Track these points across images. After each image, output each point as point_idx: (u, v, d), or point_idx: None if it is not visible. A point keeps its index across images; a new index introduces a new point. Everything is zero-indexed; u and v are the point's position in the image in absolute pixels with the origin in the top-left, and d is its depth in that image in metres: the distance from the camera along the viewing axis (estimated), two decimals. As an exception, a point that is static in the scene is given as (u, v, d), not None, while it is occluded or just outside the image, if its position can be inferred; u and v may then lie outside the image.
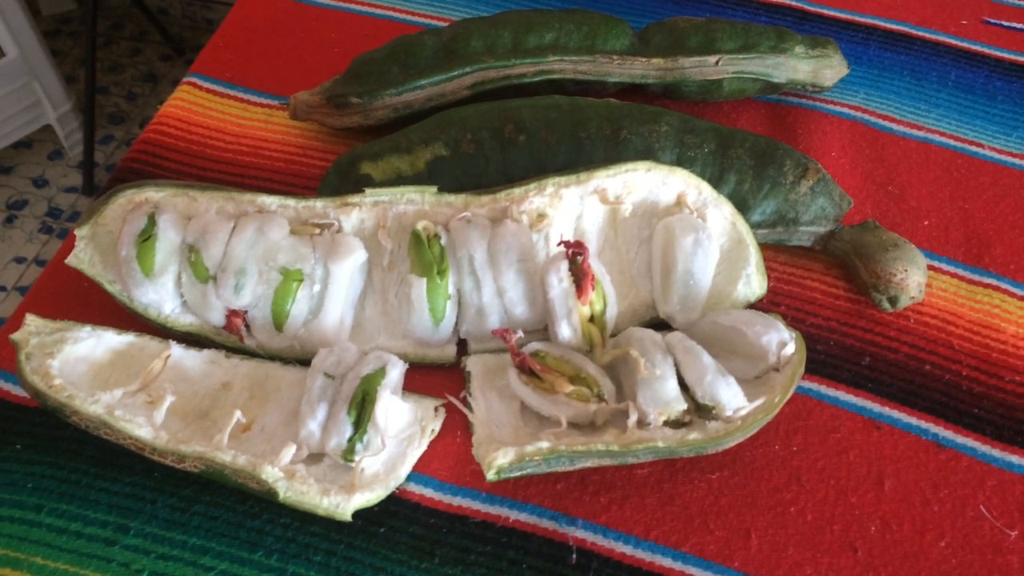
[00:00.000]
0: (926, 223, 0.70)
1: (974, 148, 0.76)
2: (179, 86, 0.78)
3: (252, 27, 0.84)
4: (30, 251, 1.70)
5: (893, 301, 0.63)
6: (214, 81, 0.79)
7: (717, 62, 0.72)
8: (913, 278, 0.63)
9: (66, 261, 0.59)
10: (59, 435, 0.57)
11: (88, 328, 0.57)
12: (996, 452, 0.58)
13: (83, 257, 0.59)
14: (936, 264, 0.68)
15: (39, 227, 1.74)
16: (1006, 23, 0.87)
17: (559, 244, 0.57)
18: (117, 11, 2.15)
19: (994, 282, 0.67)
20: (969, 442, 0.59)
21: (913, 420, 0.60)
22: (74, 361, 0.55)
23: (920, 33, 0.85)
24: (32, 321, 0.56)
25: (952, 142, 0.76)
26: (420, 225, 0.59)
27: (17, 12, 1.60)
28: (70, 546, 0.53)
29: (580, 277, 0.57)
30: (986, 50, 0.84)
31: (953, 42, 0.85)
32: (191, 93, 0.77)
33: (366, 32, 0.83)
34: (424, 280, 0.58)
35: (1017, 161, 0.75)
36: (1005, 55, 0.84)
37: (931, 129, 0.77)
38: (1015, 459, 0.58)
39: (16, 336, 0.55)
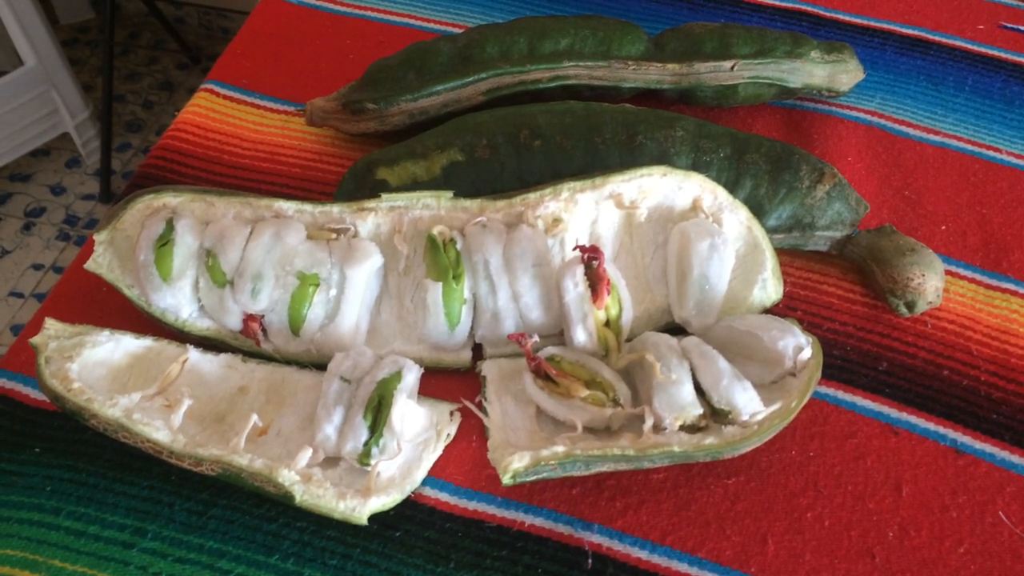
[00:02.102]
0: (943, 228, 0.70)
1: (992, 153, 0.76)
2: (197, 93, 0.79)
3: (269, 34, 0.84)
4: (47, 258, 1.72)
5: (910, 306, 0.63)
6: (231, 88, 0.79)
7: (732, 67, 0.72)
8: (930, 283, 0.62)
9: (85, 266, 0.60)
10: (77, 439, 0.57)
11: (106, 332, 0.57)
12: (1015, 458, 0.58)
13: (102, 262, 0.60)
14: (954, 269, 0.68)
15: (56, 234, 1.76)
16: (1023, 28, 0.86)
17: (574, 249, 0.57)
18: (134, 20, 2.17)
19: (1012, 287, 0.66)
20: (988, 448, 0.58)
21: (931, 426, 0.59)
22: (92, 365, 0.56)
23: (936, 38, 0.85)
24: (51, 325, 0.56)
25: (969, 147, 0.76)
26: (436, 230, 0.60)
27: (35, 21, 1.62)
28: (88, 549, 0.53)
29: (595, 282, 0.57)
30: (1003, 55, 0.84)
31: (970, 47, 0.84)
32: (208, 100, 0.78)
33: (382, 39, 0.84)
34: (440, 285, 0.58)
35: (1035, 166, 0.75)
36: (1023, 59, 0.83)
37: (948, 134, 0.77)
38: (1035, 465, 0.58)
39: (36, 340, 0.55)
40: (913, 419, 0.60)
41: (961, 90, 0.81)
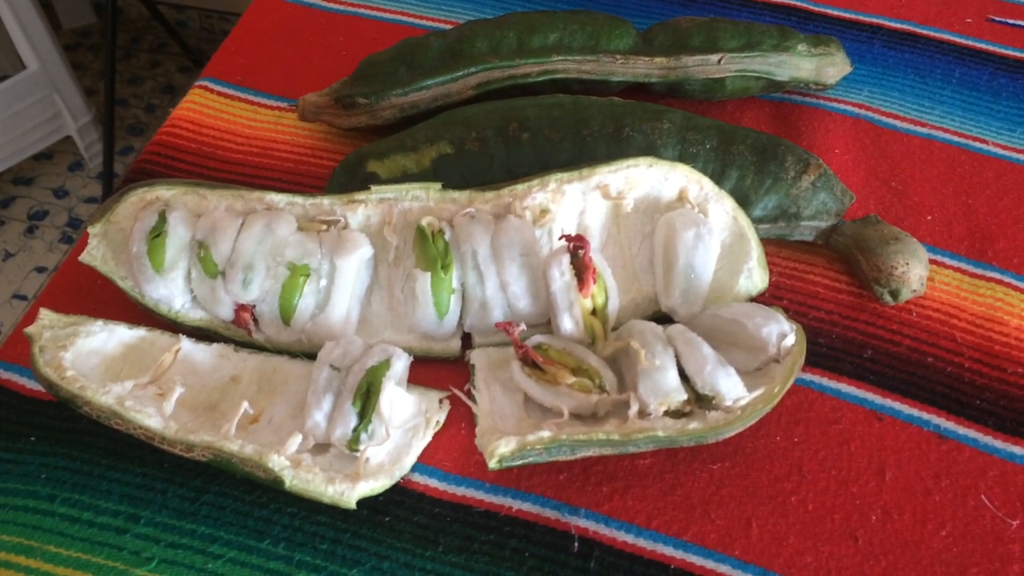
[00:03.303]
0: (929, 218, 0.71)
1: (978, 144, 0.76)
2: (191, 90, 0.80)
3: (263, 32, 0.85)
4: (51, 261, 1.73)
5: (895, 294, 0.64)
6: (225, 84, 0.80)
7: (720, 60, 0.73)
8: (914, 271, 0.63)
9: (79, 258, 0.61)
10: (72, 427, 0.58)
11: (100, 322, 0.58)
12: (998, 443, 0.59)
13: (96, 254, 0.61)
14: (939, 258, 0.68)
15: (59, 237, 1.77)
16: (1011, 21, 0.87)
17: (561, 238, 0.58)
18: (136, 24, 2.19)
19: (997, 276, 0.67)
20: (971, 433, 0.59)
21: (915, 412, 0.60)
22: (86, 354, 0.57)
23: (925, 32, 0.86)
24: (46, 315, 0.57)
25: (956, 138, 0.77)
26: (425, 221, 0.60)
27: (38, 26, 1.63)
28: (82, 535, 0.54)
29: (581, 270, 0.57)
30: (991, 47, 0.84)
31: (958, 40, 0.85)
32: (203, 96, 0.79)
33: (373, 35, 0.85)
34: (428, 274, 0.59)
35: (1021, 157, 0.75)
36: (1010, 52, 0.84)
37: (935, 126, 0.78)
38: (1017, 450, 0.58)
39: (30, 330, 0.56)
40: (897, 405, 0.60)
41: (948, 83, 0.81)
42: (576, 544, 0.54)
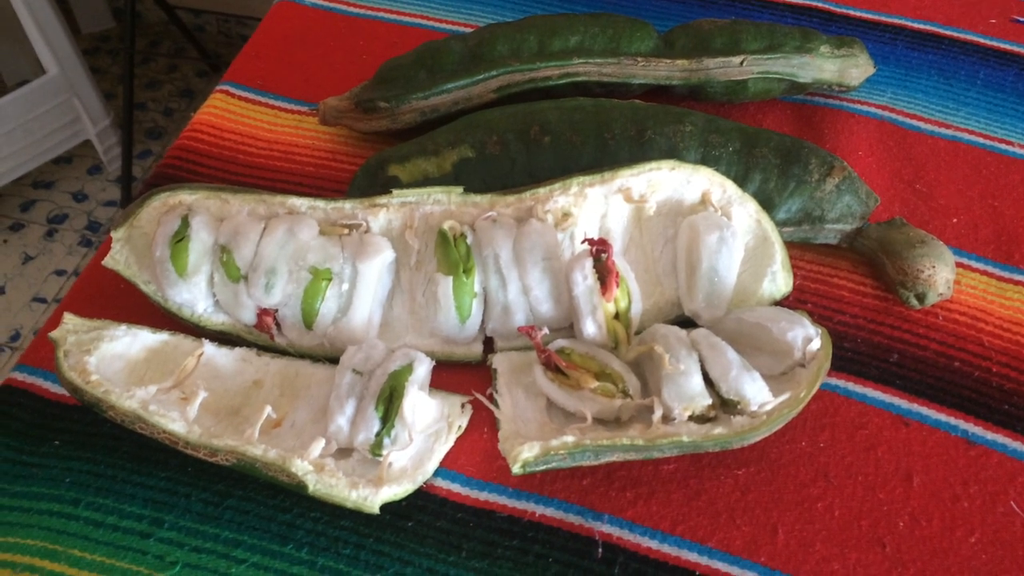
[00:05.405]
0: (955, 221, 0.70)
1: (1004, 146, 0.75)
2: (212, 94, 0.80)
3: (283, 36, 0.86)
4: (70, 264, 1.74)
5: (921, 298, 0.63)
6: (246, 89, 0.80)
7: (742, 62, 0.72)
8: (941, 274, 0.62)
9: (103, 262, 0.61)
10: (96, 432, 0.58)
11: (124, 327, 0.58)
12: (1028, 449, 0.58)
13: (119, 258, 0.61)
14: (965, 261, 0.67)
15: (79, 240, 1.78)
16: (1036, 21, 0.86)
17: (583, 242, 0.58)
18: (154, 29, 2.20)
19: (1025, 279, 0.66)
20: (999, 438, 0.58)
21: (942, 416, 0.59)
22: (110, 358, 0.57)
23: (948, 32, 0.85)
24: (70, 320, 0.57)
25: (981, 140, 0.76)
26: (446, 224, 0.60)
27: (57, 31, 1.64)
28: (106, 539, 0.54)
29: (604, 274, 0.57)
30: (1016, 48, 0.84)
31: (982, 41, 0.84)
32: (224, 101, 0.79)
33: (394, 39, 0.85)
34: (450, 278, 0.59)
35: (1048, 158, 0.75)
36: (1035, 53, 0.83)
37: (960, 127, 0.77)
38: (1047, 455, 0.57)
39: (55, 334, 0.56)
40: (924, 410, 0.60)
41: (973, 84, 0.81)
42: (600, 550, 0.53)
